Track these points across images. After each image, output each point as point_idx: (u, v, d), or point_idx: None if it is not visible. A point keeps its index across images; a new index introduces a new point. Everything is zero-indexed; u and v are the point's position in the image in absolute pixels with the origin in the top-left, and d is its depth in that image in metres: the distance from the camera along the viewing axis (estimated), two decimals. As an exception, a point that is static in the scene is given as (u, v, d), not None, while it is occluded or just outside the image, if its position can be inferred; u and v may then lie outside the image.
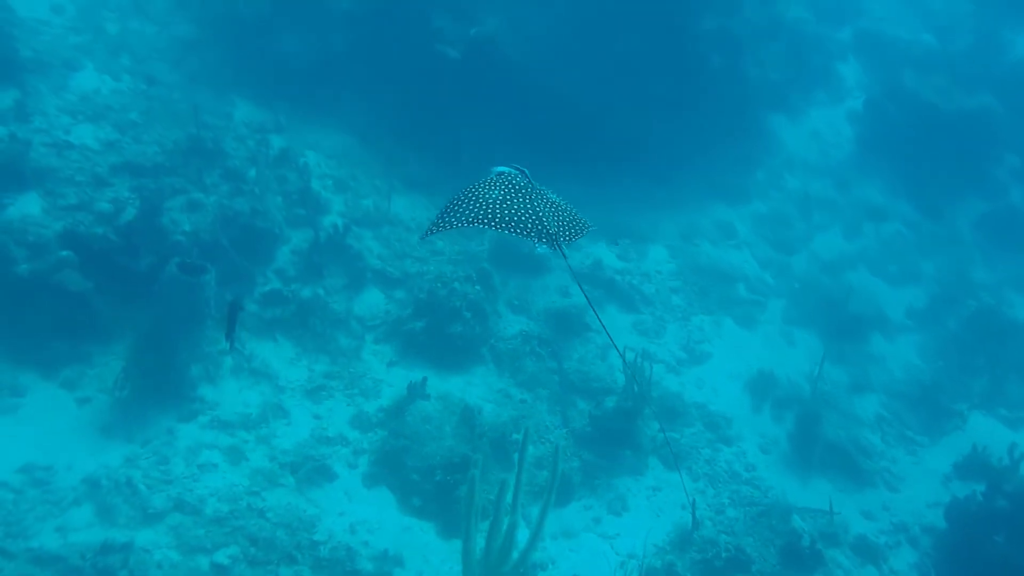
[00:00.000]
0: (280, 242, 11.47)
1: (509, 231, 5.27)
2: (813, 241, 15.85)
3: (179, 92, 13.24)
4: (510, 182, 5.56)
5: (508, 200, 5.39)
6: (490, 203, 5.33)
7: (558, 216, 5.59)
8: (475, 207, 5.30)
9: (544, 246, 5.47)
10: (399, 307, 11.41)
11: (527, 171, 5.71)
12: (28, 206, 10.00)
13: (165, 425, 8.88)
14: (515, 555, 6.66)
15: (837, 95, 19.73)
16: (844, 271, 15.30)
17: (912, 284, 15.68)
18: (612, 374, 11.45)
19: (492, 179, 5.56)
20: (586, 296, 7.90)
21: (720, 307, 13.63)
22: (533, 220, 5.39)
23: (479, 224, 5.27)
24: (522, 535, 6.72)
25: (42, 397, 8.75)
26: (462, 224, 5.26)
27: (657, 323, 12.92)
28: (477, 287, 11.26)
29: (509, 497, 6.51)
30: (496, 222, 5.26)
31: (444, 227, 5.24)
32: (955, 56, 19.14)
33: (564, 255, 5.44)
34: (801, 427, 11.52)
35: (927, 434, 12.60)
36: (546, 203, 5.61)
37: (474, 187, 5.46)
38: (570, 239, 5.49)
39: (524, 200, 5.46)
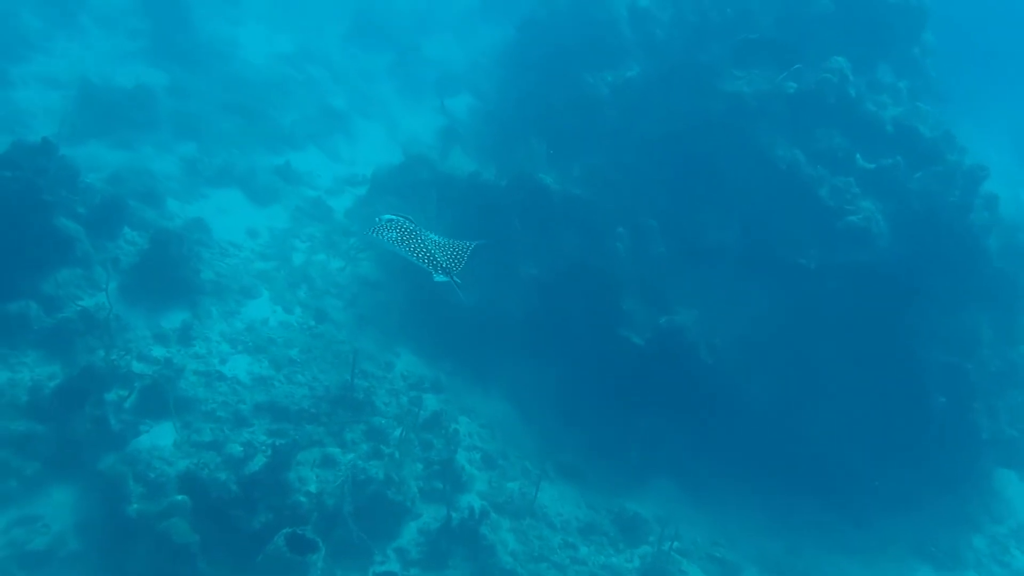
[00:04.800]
0: (409, 517, 10.89)
1: (413, 259, 7.43)
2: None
3: (346, 332, 13.52)
4: (401, 226, 7.63)
5: (405, 238, 7.49)
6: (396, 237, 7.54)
7: (444, 251, 7.69)
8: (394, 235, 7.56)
9: (441, 276, 7.53)
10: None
11: (412, 217, 7.78)
12: (161, 437, 10.11)
13: None
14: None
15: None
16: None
17: None
18: None
19: (385, 223, 7.59)
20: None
21: None
22: (427, 255, 7.42)
23: (394, 247, 7.48)
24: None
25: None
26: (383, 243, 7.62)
27: None
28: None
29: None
30: (408, 249, 7.47)
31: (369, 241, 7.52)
32: None
33: (457, 284, 7.52)
34: None
35: None
36: (433, 242, 7.66)
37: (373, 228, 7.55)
38: (459, 268, 7.64)
39: (415, 240, 7.51)
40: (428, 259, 7.65)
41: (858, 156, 13.31)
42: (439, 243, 7.85)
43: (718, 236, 13.58)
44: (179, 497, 9.12)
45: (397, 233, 7.67)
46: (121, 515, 8.89)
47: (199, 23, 23.06)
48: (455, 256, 7.94)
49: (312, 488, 10.08)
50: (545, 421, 13.49)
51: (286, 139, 19.32)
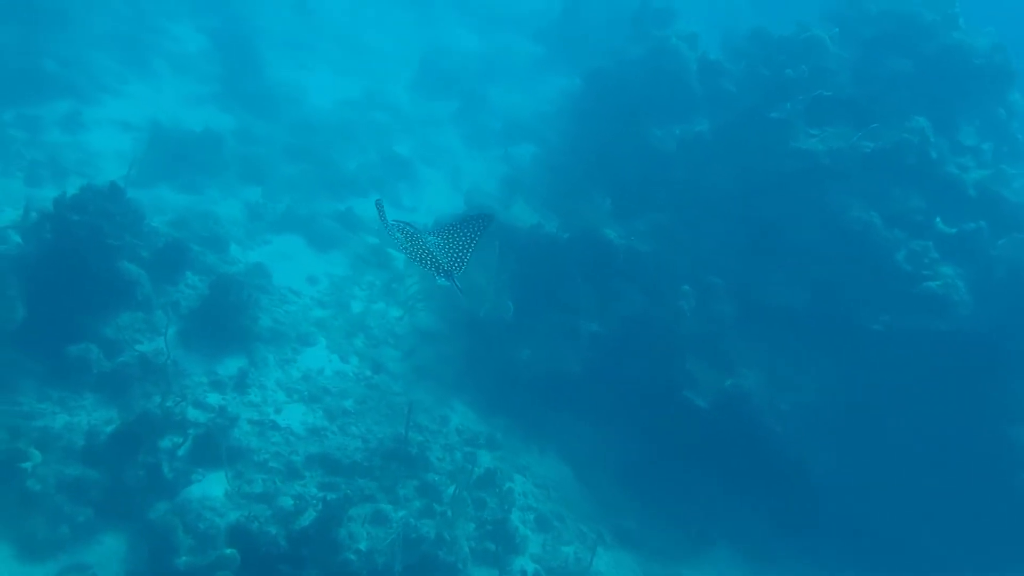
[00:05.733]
0: (459, 579, 10.69)
1: (417, 262, 7.55)
2: None
3: (401, 384, 13.46)
4: (404, 229, 7.59)
5: (409, 241, 7.53)
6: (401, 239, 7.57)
7: (445, 251, 7.65)
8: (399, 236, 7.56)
9: (443, 279, 7.45)
10: None
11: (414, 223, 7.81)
12: (212, 487, 10.07)
13: None
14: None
15: None
16: None
17: None
18: None
19: (392, 224, 7.56)
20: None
21: None
22: (429, 258, 7.45)
23: (400, 248, 7.57)
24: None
25: None
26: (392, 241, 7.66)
27: None
28: None
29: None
30: (412, 253, 7.53)
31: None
32: None
33: (459, 287, 7.43)
34: None
35: None
36: (434, 243, 7.66)
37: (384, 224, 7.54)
38: (462, 268, 7.57)
39: (417, 243, 7.52)
40: (431, 262, 7.57)
41: (938, 220, 12.96)
42: (439, 244, 7.76)
43: (787, 297, 13.28)
44: (228, 551, 9.07)
45: (402, 235, 7.62)
46: (170, 567, 8.86)
47: (269, 68, 23.66)
48: (457, 255, 7.74)
49: (362, 546, 9.92)
50: (601, 485, 13.21)
51: (349, 185, 19.52)
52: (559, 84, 24.79)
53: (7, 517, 9.14)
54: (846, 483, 12.25)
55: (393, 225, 7.63)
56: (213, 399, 11.46)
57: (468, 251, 7.74)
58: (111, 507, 9.58)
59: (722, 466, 12.79)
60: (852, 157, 13.38)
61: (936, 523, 12.28)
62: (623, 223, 14.75)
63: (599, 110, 18.40)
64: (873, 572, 12.27)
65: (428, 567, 10.36)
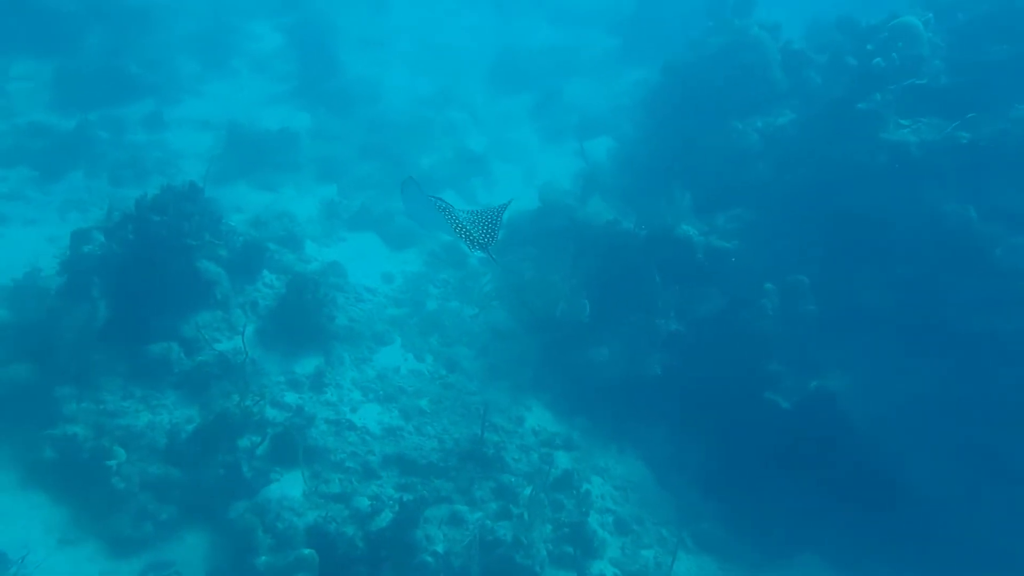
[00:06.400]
0: (537, 582, 10.59)
1: (454, 236, 8.05)
2: None
3: (476, 383, 13.43)
4: (440, 204, 8.25)
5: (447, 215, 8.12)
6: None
7: (477, 224, 8.17)
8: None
9: (478, 252, 8.03)
10: None
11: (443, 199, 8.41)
12: (290, 487, 10.18)
13: None
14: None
15: None
16: None
17: None
18: None
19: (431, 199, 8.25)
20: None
21: None
22: (463, 231, 7.97)
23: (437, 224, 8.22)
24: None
25: None
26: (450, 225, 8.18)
27: None
28: None
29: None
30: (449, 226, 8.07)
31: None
32: None
33: (494, 259, 8.20)
34: None
35: None
36: (465, 216, 8.21)
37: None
38: (494, 239, 8.11)
39: (451, 217, 8.08)
40: (466, 235, 8.14)
41: (1041, 214, 12.34)
42: (470, 217, 8.35)
43: (876, 297, 12.78)
44: (306, 551, 9.15)
45: (439, 212, 8.23)
46: (250, 567, 8.99)
47: (345, 66, 23.89)
48: (488, 227, 8.37)
49: (439, 548, 9.93)
50: (681, 485, 12.97)
51: (424, 182, 19.52)
52: (635, 77, 24.49)
53: (94, 514, 9.40)
54: (944, 492, 11.70)
55: (431, 200, 8.27)
56: (290, 398, 11.60)
57: (497, 226, 8.47)
58: (193, 505, 9.76)
59: (807, 470, 12.39)
60: (947, 149, 12.80)
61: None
62: (703, 219, 14.46)
63: (677, 103, 18.02)
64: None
65: (505, 570, 10.30)
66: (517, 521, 10.80)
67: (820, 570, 12.26)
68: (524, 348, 14.27)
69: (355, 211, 17.45)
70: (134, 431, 10.17)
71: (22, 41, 19.89)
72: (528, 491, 11.20)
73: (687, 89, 17.76)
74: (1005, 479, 11.50)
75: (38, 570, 8.77)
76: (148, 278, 11.38)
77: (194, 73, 22.21)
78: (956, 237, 12.41)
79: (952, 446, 11.75)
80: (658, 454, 13.32)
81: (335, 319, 12.99)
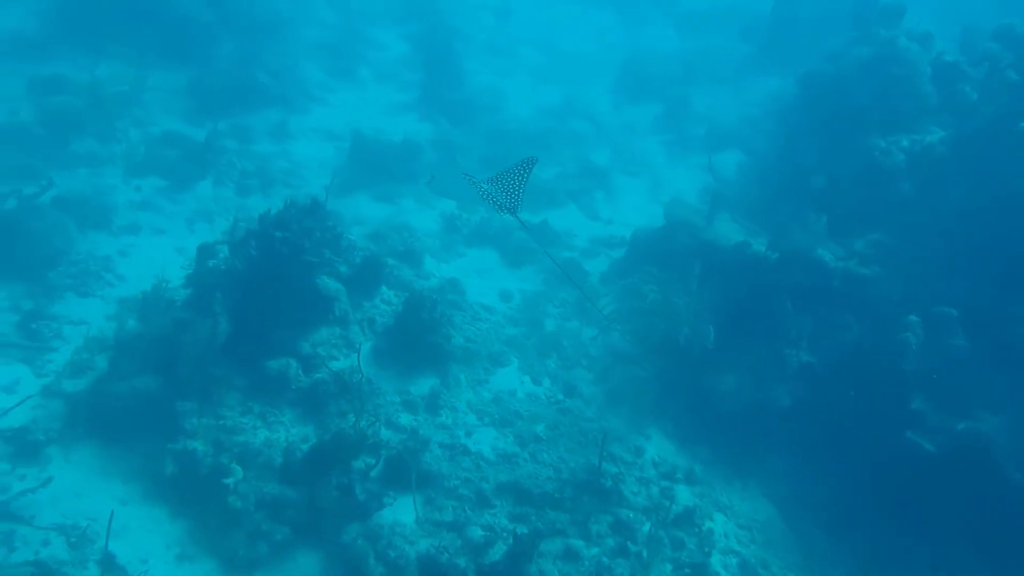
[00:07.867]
0: (654, 627, 10.27)
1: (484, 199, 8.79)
2: None
3: (594, 410, 13.14)
4: (468, 178, 8.99)
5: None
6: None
7: (499, 187, 8.87)
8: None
9: (507, 214, 8.71)
10: None
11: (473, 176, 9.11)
12: (403, 513, 10.12)
13: None
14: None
15: None
16: None
17: None
18: None
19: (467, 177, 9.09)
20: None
21: None
22: (490, 198, 8.75)
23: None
24: None
25: None
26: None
27: None
28: None
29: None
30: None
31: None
32: None
33: (520, 221, 9.14)
34: None
35: None
36: (489, 182, 8.94)
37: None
38: (519, 201, 8.84)
39: (478, 188, 8.83)
40: (492, 201, 8.80)
41: None
42: (496, 187, 8.95)
43: (1033, 334, 11.94)
44: (416, 582, 9.07)
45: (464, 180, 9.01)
46: (362, 597, 8.95)
47: (468, 75, 24.03)
48: (511, 189, 8.99)
49: (552, 585, 9.71)
50: (810, 527, 12.38)
51: (545, 195, 19.41)
52: (768, 86, 23.69)
53: (211, 532, 9.55)
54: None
55: (467, 178, 9.05)
56: (405, 419, 11.58)
57: (521, 190, 9.00)
58: (305, 526, 9.81)
59: (952, 519, 11.65)
60: (1121, 173, 11.90)
61: None
62: (840, 243, 13.82)
63: (814, 117, 17.32)
64: None
65: (621, 611, 10.03)
66: (635, 560, 10.52)
67: (962, 627, 11.51)
68: (644, 373, 13.89)
69: (474, 226, 17.43)
70: (251, 448, 10.30)
71: (158, 51, 20.65)
72: (647, 527, 10.88)
73: (825, 102, 17.05)
74: None
75: (157, 586, 8.99)
76: (269, 294, 11.56)
77: (320, 82, 22.70)
78: None
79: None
80: (786, 493, 12.76)
81: (452, 339, 12.93)
